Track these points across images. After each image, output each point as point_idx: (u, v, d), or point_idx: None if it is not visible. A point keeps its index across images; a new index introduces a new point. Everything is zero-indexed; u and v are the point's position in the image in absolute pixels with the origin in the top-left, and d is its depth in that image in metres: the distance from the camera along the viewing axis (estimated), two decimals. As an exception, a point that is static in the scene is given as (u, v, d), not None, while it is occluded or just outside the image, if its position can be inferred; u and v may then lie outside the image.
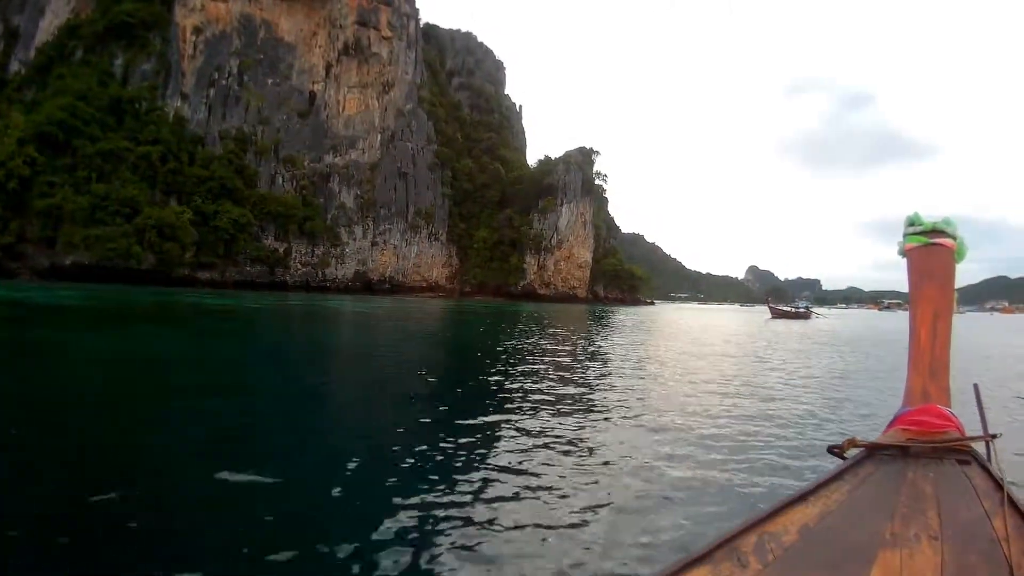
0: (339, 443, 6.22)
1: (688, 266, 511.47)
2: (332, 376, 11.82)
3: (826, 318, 67.89)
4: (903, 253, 3.07)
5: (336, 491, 4.61)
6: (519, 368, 11.71)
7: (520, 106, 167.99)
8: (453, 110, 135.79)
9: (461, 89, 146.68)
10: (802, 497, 1.92)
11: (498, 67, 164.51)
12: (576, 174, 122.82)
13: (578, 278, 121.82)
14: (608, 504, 4.48)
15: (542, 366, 11.92)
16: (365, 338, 21.48)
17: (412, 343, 18.94)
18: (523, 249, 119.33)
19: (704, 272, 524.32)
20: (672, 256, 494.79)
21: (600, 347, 18.00)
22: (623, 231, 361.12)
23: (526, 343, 17.80)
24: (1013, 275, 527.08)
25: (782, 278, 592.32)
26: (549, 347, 16.58)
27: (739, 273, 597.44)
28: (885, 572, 1.48)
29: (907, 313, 3.11)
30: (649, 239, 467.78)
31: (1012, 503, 1.83)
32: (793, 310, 72.33)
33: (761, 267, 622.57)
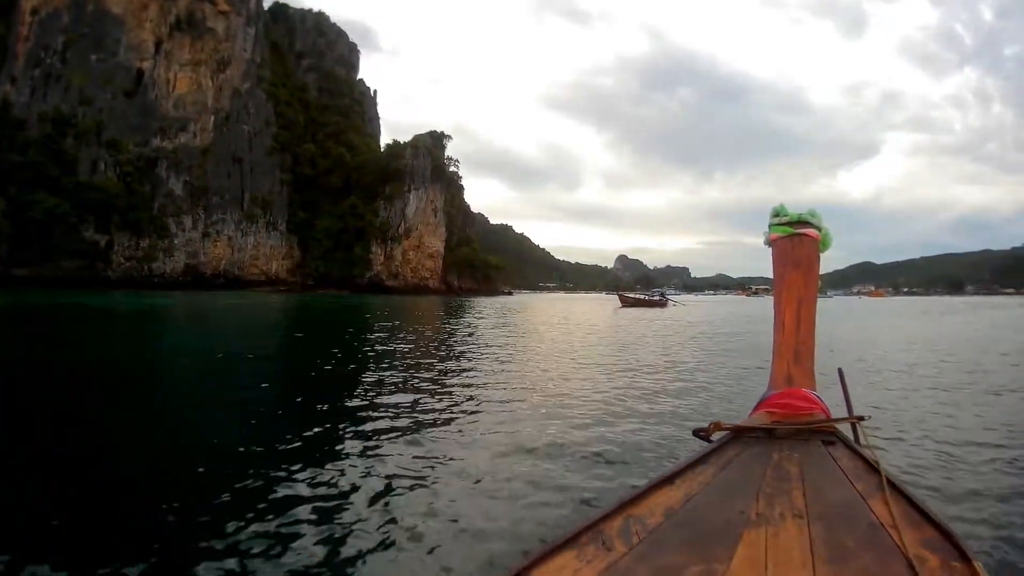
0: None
1: (557, 256, 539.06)
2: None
3: (684, 305, 65.88)
4: (769, 243, 3.27)
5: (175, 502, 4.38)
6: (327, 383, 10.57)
7: (375, 91, 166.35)
8: (298, 92, 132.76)
9: (310, 71, 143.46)
10: (667, 479, 1.97)
11: (351, 50, 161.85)
12: (425, 159, 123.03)
13: (429, 268, 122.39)
14: (469, 495, 4.58)
15: (368, 377, 10.69)
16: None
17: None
18: (369, 238, 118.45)
19: (573, 262, 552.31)
20: (541, 247, 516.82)
21: (424, 345, 17.12)
22: (491, 222, 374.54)
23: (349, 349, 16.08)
24: (878, 261, 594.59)
25: (652, 267, 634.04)
26: (381, 350, 15.21)
27: (609, 263, 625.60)
28: (750, 551, 1.51)
29: (770, 297, 3.29)
30: (518, 230, 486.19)
31: (894, 487, 1.89)
32: (646, 297, 70.55)
33: (631, 256, 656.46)
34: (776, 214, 3.26)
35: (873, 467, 2.08)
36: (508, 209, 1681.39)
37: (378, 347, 15.40)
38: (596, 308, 55.18)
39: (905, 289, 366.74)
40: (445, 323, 26.96)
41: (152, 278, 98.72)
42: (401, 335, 19.50)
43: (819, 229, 3.17)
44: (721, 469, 2.11)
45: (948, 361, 14.26)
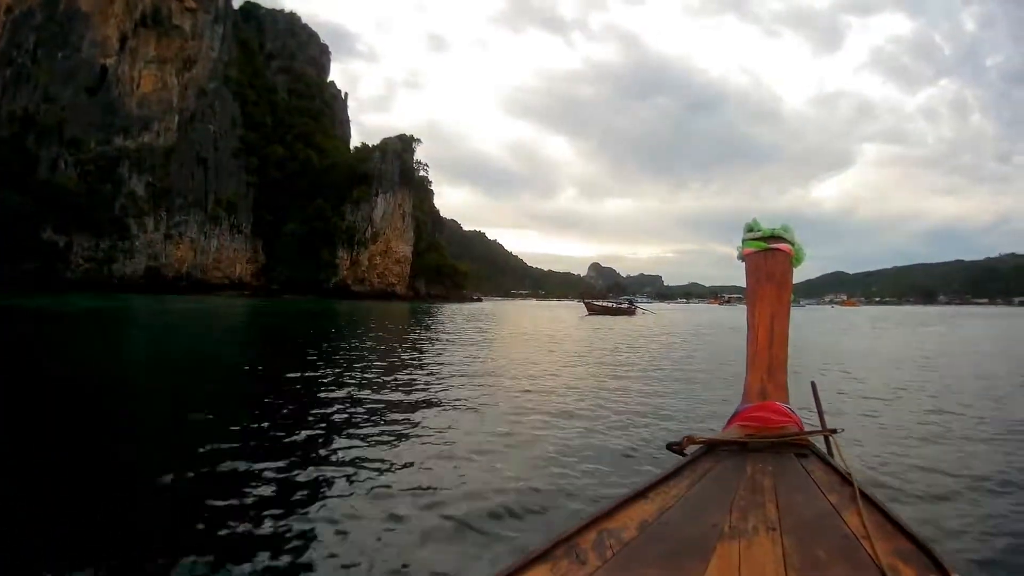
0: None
1: (530, 264, 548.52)
2: None
3: (653, 314, 63.89)
4: (742, 257, 3.31)
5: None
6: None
7: (346, 94, 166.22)
8: (267, 93, 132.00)
9: (280, 73, 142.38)
10: (641, 493, 1.98)
11: (322, 51, 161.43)
12: (394, 162, 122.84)
13: (396, 274, 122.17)
14: (440, 507, 4.58)
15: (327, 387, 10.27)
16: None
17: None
18: (335, 243, 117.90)
19: (546, 270, 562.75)
20: (514, 254, 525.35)
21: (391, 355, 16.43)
22: (465, 229, 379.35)
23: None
24: (851, 271, 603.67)
25: (625, 275, 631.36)
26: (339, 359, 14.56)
27: (582, 271, 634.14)
28: (723, 564, 1.53)
29: (743, 306, 3.40)
30: (491, 236, 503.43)
31: (867, 498, 1.92)
32: (613, 305, 67.38)
33: (604, 264, 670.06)
34: (749, 229, 3.32)
35: (846, 479, 2.10)
36: (482, 216, 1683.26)
37: (323, 359, 14.55)
38: (562, 316, 54.45)
39: (877, 299, 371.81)
40: (402, 333, 25.98)
41: (112, 280, 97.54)
42: (347, 346, 18.78)
43: (792, 244, 3.24)
44: (695, 483, 2.14)
45: (924, 373, 14.48)
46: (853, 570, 1.51)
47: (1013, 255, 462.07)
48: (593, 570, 1.51)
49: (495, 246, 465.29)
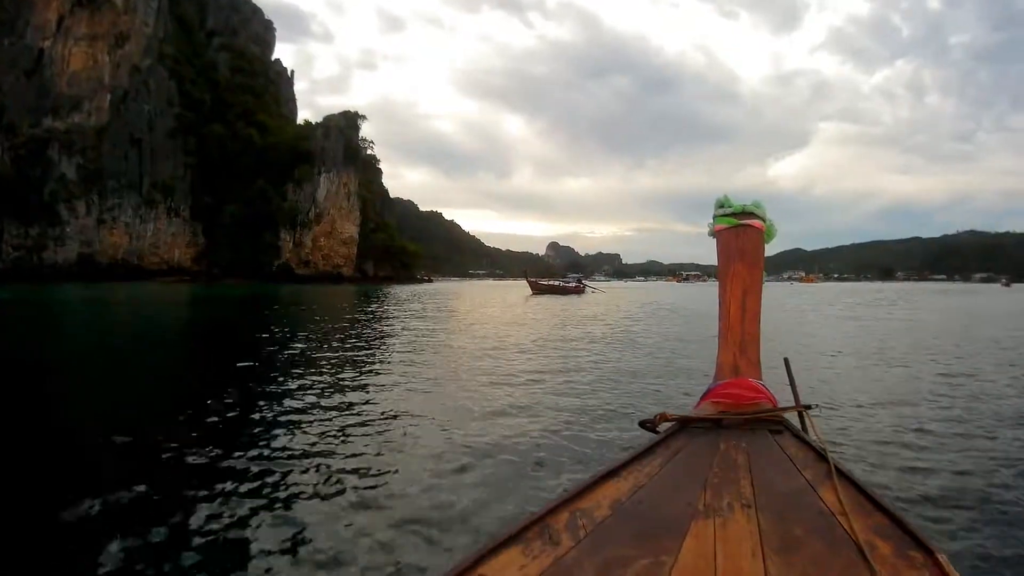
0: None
1: (488, 244, 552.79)
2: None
3: (603, 292, 63.47)
4: (713, 234, 3.36)
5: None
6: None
7: (292, 71, 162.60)
8: (207, 71, 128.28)
9: (222, 50, 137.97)
10: (614, 472, 1.98)
11: (267, 28, 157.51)
12: (338, 140, 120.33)
13: (343, 255, 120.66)
14: (410, 488, 4.67)
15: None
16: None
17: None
18: (277, 225, 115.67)
19: (504, 250, 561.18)
20: (471, 233, 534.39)
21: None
22: (421, 209, 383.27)
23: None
24: (809, 247, 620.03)
25: (583, 253, 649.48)
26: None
27: (541, 250, 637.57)
28: (698, 542, 1.54)
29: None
30: (448, 217, 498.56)
31: (842, 474, 1.93)
32: (559, 284, 67.21)
33: (562, 243, 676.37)
34: (720, 205, 3.32)
35: (821, 455, 2.12)
36: (439, 197, 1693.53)
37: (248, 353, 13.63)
38: (509, 295, 53.32)
39: (836, 275, 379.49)
40: (336, 316, 25.58)
41: (44, 269, 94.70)
42: (274, 339, 17.38)
43: (763, 220, 3.27)
44: (668, 460, 2.14)
45: (895, 349, 14.72)
46: (830, 546, 1.52)
47: (972, 232, 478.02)
48: (566, 551, 1.51)
49: (452, 226, 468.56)
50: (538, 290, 59.05)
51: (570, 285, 64.16)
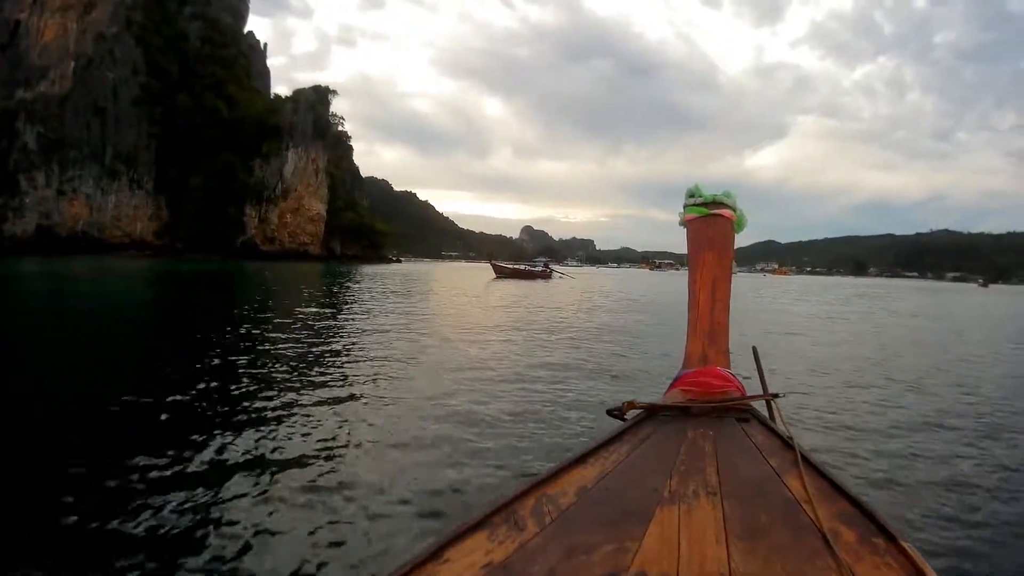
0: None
1: (461, 226, 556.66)
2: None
3: (572, 278, 61.10)
4: (683, 223, 3.38)
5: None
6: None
7: (265, 44, 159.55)
8: (177, 40, 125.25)
9: (193, 19, 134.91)
10: (580, 459, 2.00)
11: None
12: (307, 115, 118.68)
13: (310, 233, 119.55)
14: (379, 473, 4.80)
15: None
16: None
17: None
18: (244, 200, 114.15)
19: (478, 232, 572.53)
20: (445, 215, 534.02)
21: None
22: (396, 189, 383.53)
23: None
24: (783, 240, 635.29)
25: (557, 238, 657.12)
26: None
27: (515, 233, 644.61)
28: (663, 529, 1.56)
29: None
30: (423, 197, 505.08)
31: (808, 462, 1.95)
32: (526, 268, 65.78)
33: (536, 228, 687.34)
34: (691, 195, 3.32)
35: (787, 443, 2.14)
36: (415, 176, 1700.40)
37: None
38: (472, 279, 51.54)
39: (808, 269, 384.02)
40: (290, 298, 24.94)
41: (3, 241, 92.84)
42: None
43: (734, 210, 3.27)
44: (635, 447, 2.16)
45: (862, 342, 15.53)
46: (794, 534, 1.53)
47: (947, 231, 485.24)
48: (531, 536, 1.52)
49: (426, 207, 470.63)
50: (502, 274, 57.41)
51: (536, 270, 62.69)
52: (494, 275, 56.09)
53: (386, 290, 32.03)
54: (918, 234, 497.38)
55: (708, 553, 1.45)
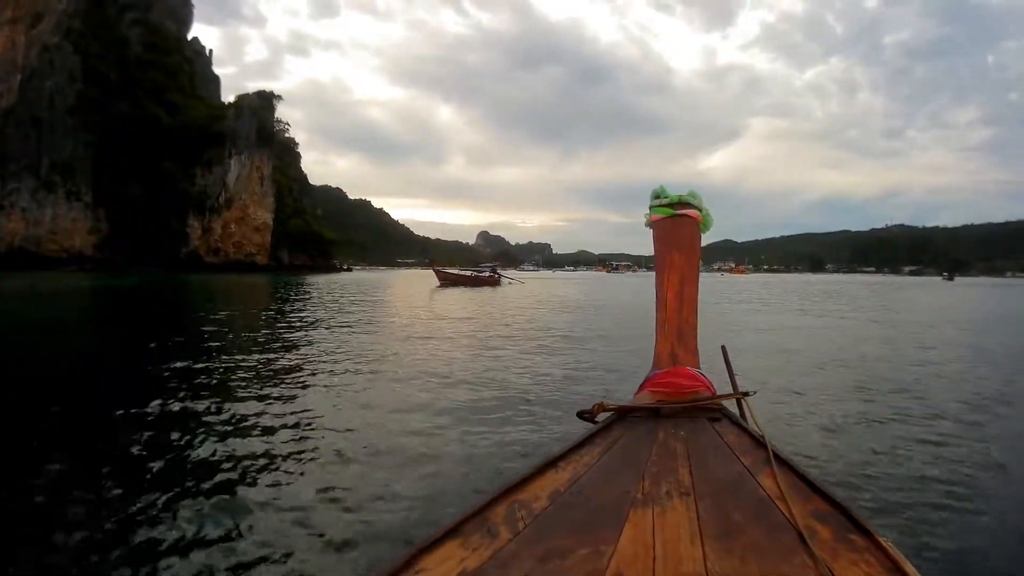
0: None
1: (418, 233, 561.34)
2: None
3: (521, 283, 60.78)
4: (649, 224, 3.39)
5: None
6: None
7: (211, 50, 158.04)
8: (117, 47, 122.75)
9: (135, 25, 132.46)
10: (551, 463, 2.00)
11: (184, 3, 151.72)
12: (250, 121, 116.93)
13: (256, 243, 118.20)
14: (346, 484, 4.88)
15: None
16: None
17: None
18: (186, 210, 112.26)
19: (434, 238, 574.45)
20: (400, 222, 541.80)
21: None
22: (350, 197, 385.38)
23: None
24: (739, 239, 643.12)
25: (513, 243, 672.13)
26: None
27: (471, 239, 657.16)
28: (637, 531, 1.55)
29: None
30: (378, 205, 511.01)
31: (781, 460, 1.96)
32: (472, 274, 62.39)
33: (493, 233, 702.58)
34: (657, 196, 3.34)
35: (760, 442, 2.14)
36: (370, 185, 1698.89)
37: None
38: (418, 288, 50.35)
39: (766, 267, 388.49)
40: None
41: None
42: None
43: (700, 210, 3.30)
44: (606, 450, 2.15)
45: (830, 340, 15.96)
46: (769, 532, 1.53)
47: (902, 226, 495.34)
48: (504, 543, 1.52)
49: (381, 215, 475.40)
50: (447, 281, 55.02)
51: (483, 276, 60.46)
52: (439, 282, 53.77)
53: (314, 305, 29.80)
54: (873, 229, 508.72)
55: (684, 553, 1.45)
